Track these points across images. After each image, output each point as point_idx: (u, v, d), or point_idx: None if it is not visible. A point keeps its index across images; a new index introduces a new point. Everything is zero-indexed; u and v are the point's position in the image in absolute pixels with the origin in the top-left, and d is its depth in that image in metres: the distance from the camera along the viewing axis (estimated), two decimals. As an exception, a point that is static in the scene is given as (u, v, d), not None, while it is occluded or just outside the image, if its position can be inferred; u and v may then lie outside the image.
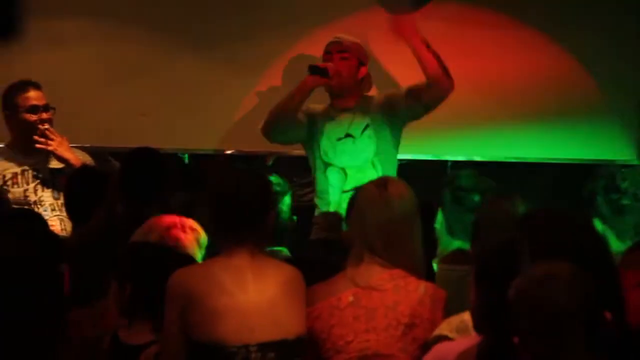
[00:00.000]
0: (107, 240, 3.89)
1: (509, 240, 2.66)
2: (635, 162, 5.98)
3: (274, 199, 3.42)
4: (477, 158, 5.88)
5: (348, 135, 5.07)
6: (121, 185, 4.33)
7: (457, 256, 3.91)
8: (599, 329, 2.32)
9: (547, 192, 6.06)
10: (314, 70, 5.06)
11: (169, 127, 5.61)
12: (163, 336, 3.18)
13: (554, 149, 5.95)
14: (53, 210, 4.91)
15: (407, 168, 5.49)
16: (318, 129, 5.12)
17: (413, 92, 5.07)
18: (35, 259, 2.37)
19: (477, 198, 4.04)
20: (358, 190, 3.62)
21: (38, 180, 4.97)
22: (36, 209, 4.93)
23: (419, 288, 3.36)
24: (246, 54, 5.56)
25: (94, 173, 4.49)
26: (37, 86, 5.00)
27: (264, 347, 3.16)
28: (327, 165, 5.08)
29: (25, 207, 4.88)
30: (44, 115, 4.96)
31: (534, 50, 5.90)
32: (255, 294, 3.22)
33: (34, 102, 4.97)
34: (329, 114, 5.13)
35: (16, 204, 4.92)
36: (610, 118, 6.00)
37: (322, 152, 5.09)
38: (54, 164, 5.00)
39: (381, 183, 3.51)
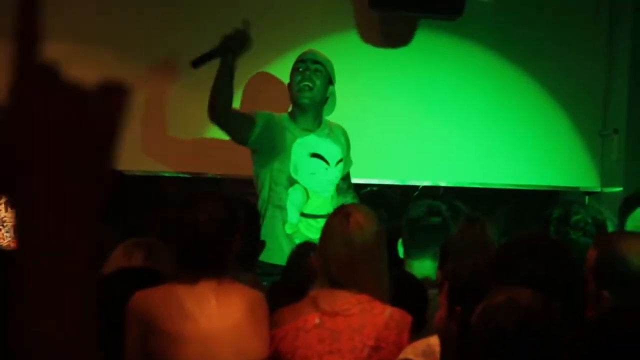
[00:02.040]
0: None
1: (485, 264, 2.68)
2: (598, 189, 6.04)
3: (238, 223, 3.40)
4: (443, 183, 5.91)
5: (320, 157, 4.95)
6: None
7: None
8: (559, 356, 2.32)
9: (511, 218, 6.10)
10: (202, 59, 4.88)
11: (137, 149, 5.60)
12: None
13: (518, 175, 6.00)
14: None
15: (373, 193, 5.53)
16: (285, 144, 4.92)
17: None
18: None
19: (435, 220, 4.07)
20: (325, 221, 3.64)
21: (3, 200, 4.92)
22: None
23: (385, 312, 3.37)
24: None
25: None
26: None
27: None
28: (292, 182, 4.91)
29: None
30: None
31: (500, 77, 5.95)
32: (218, 320, 3.19)
33: None
34: (297, 132, 4.96)
35: None
36: (574, 145, 6.05)
37: (291, 168, 4.92)
38: None
39: (345, 213, 3.51)
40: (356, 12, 5.77)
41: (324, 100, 5.02)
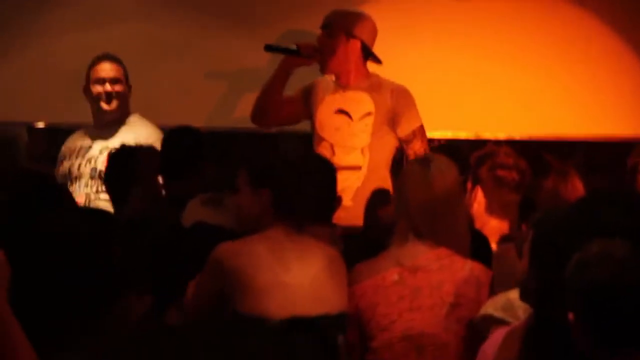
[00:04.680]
0: (151, 222, 3.92)
1: (567, 215, 2.67)
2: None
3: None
4: (517, 136, 5.85)
5: (344, 112, 4.84)
6: (162, 165, 4.35)
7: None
8: None
9: (585, 169, 6.01)
10: (277, 49, 4.85)
11: (210, 105, 5.62)
12: (193, 301, 3.21)
13: (594, 124, 5.90)
14: (86, 186, 4.92)
15: (445, 146, 5.48)
16: (317, 102, 4.87)
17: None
18: (94, 237, 2.39)
19: (517, 177, 4.03)
20: (402, 169, 3.62)
21: (86, 157, 4.98)
22: (72, 184, 4.94)
23: (465, 267, 3.36)
24: (289, 34, 5.53)
25: (133, 152, 4.48)
26: (112, 59, 5.00)
27: (305, 321, 3.22)
28: (320, 140, 4.84)
29: (63, 181, 4.91)
30: (108, 87, 4.95)
31: (574, 23, 5.85)
32: (298, 271, 3.29)
33: (102, 74, 4.96)
34: (330, 88, 4.86)
35: (60, 177, 4.96)
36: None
37: (317, 125, 4.86)
38: (111, 143, 4.92)
39: (424, 161, 3.50)
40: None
41: (351, 57, 4.82)
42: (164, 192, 4.34)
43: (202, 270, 3.27)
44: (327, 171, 3.65)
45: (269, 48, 4.90)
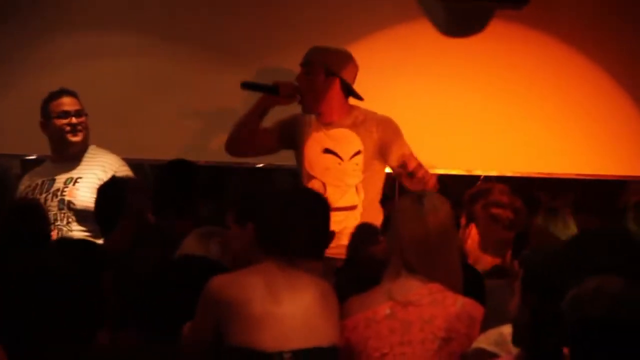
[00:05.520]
0: (137, 251, 3.92)
1: (560, 252, 2.68)
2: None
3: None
4: (509, 173, 5.86)
5: (333, 153, 4.83)
6: (155, 196, 4.35)
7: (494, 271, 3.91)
8: None
9: (577, 208, 6.03)
10: (255, 87, 4.86)
11: (200, 139, 5.63)
12: (191, 338, 3.23)
13: (583, 164, 5.92)
14: (56, 220, 4.96)
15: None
16: (303, 138, 4.86)
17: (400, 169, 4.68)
18: (78, 267, 2.38)
19: (511, 215, 4.04)
20: (395, 205, 3.63)
21: (51, 191, 5.02)
22: None
23: (457, 303, 3.36)
24: (279, 70, 5.55)
25: (123, 184, 4.49)
26: (70, 93, 5.11)
27: (298, 353, 3.22)
28: (310, 177, 4.83)
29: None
30: (74, 120, 5.06)
31: (566, 65, 5.88)
32: (290, 304, 3.28)
33: (66, 108, 5.06)
34: (313, 124, 4.85)
35: None
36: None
37: (306, 163, 4.85)
38: (75, 174, 5.03)
39: (417, 197, 3.50)
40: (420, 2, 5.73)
41: (331, 95, 4.81)
42: (153, 224, 4.34)
43: (197, 306, 3.26)
44: (318, 206, 3.59)
45: (246, 85, 4.90)
